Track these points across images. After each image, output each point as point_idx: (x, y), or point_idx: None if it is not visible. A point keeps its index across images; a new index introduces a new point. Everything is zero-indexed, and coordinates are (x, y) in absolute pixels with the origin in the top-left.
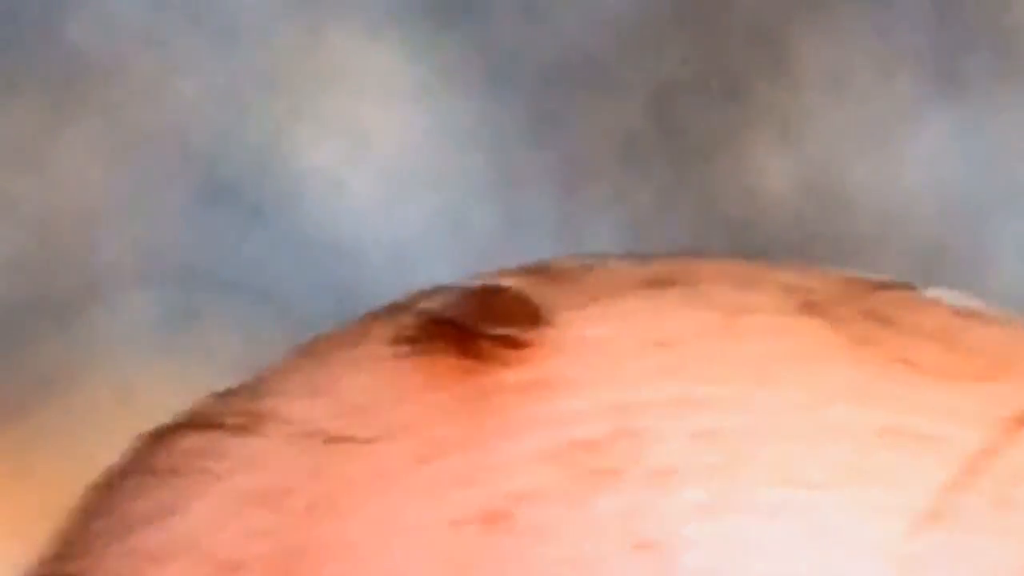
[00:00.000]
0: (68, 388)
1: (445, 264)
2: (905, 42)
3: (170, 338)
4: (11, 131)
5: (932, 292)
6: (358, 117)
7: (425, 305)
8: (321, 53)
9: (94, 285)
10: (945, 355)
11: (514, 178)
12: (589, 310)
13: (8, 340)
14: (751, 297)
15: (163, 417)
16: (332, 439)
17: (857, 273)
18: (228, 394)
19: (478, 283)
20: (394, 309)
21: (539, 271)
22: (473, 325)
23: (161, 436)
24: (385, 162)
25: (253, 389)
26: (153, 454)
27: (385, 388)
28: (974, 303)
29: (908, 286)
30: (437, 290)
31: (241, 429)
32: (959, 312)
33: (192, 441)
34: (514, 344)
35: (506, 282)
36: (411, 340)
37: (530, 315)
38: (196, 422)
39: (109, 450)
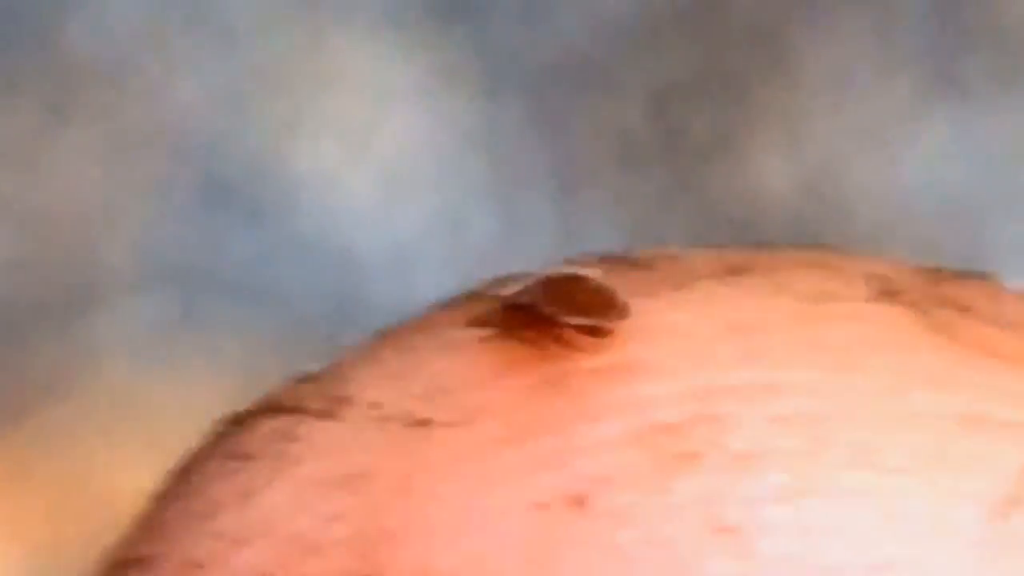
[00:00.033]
0: (68, 390)
1: (444, 266)
2: (905, 44)
3: (169, 340)
4: (11, 133)
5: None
6: (357, 119)
7: (504, 292)
8: (321, 55)
9: (93, 287)
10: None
11: (513, 180)
12: (669, 297)
13: (8, 342)
14: (831, 285)
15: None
16: (413, 423)
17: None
18: (308, 379)
19: (559, 271)
20: (472, 295)
21: (619, 260)
22: (552, 313)
23: (241, 420)
24: (384, 164)
25: (333, 374)
26: (233, 438)
27: (466, 372)
28: None
29: (986, 275)
30: (516, 277)
31: (321, 413)
32: None
33: (272, 425)
34: (593, 333)
35: (586, 271)
36: (491, 325)
37: (609, 304)
38: (276, 406)
39: (109, 452)
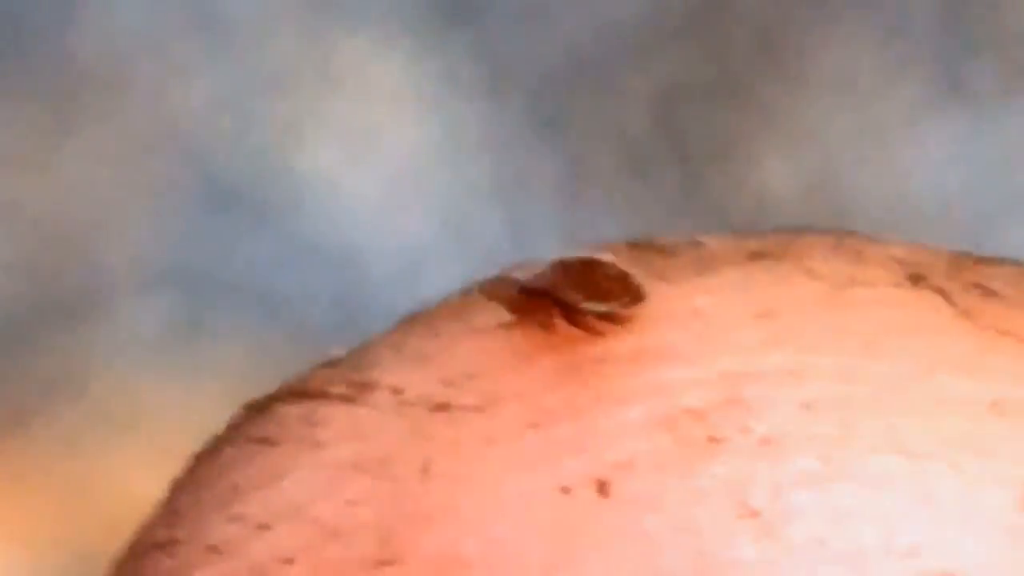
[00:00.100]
0: (72, 393)
1: (449, 270)
2: (910, 48)
3: (174, 344)
4: (16, 137)
5: None
6: (362, 122)
7: (525, 276)
8: (325, 59)
9: (98, 291)
10: None
11: (518, 183)
12: (695, 282)
13: (13, 345)
14: (859, 270)
15: (168, 422)
16: (437, 407)
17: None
18: (332, 364)
19: (579, 256)
20: (496, 281)
21: (642, 246)
22: (568, 298)
23: (263, 405)
24: (389, 167)
25: (357, 359)
26: (257, 423)
27: (491, 357)
28: None
29: (1014, 261)
30: (538, 262)
31: (344, 398)
32: None
33: (294, 410)
34: (608, 319)
35: (607, 256)
36: (515, 310)
37: (624, 288)
38: (300, 391)
39: (113, 456)
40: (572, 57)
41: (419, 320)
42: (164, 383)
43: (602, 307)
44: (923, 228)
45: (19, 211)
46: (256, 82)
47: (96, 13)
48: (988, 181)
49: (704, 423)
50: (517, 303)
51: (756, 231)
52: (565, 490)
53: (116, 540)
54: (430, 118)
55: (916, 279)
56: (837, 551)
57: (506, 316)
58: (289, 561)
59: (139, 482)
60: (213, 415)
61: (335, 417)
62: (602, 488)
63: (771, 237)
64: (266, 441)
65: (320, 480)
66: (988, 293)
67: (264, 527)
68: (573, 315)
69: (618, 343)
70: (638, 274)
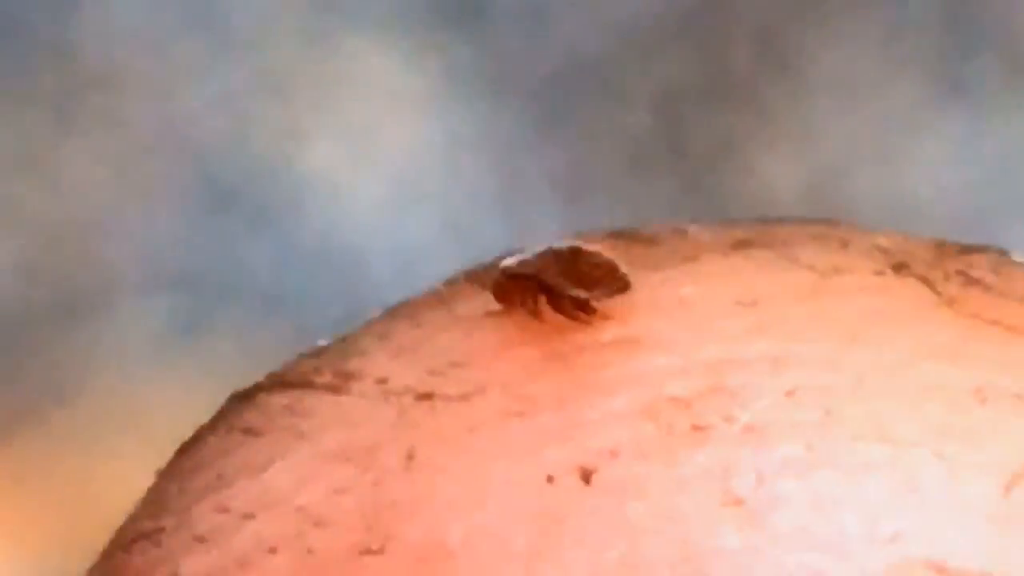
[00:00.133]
0: (72, 394)
1: (449, 269)
2: (912, 48)
3: (174, 345)
4: (18, 139)
5: (1021, 255)
6: (364, 124)
7: (510, 263)
8: (328, 60)
9: (99, 292)
10: None
11: (520, 184)
12: (679, 270)
13: (13, 347)
14: (843, 258)
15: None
16: (422, 396)
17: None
18: (316, 353)
19: (565, 245)
20: (477, 270)
21: (626, 234)
22: (554, 284)
23: (249, 395)
24: (390, 169)
25: (341, 349)
26: (241, 413)
27: (473, 346)
28: None
29: (998, 250)
30: (524, 249)
31: (329, 388)
32: None
33: (280, 400)
34: (595, 308)
35: (594, 245)
36: (501, 297)
37: (610, 277)
38: (284, 381)
39: (112, 456)
40: (573, 58)
41: (403, 310)
42: (164, 383)
43: (586, 294)
44: (922, 227)
45: (19, 212)
46: (256, 83)
47: (97, 15)
48: (988, 180)
49: (688, 411)
50: (503, 289)
51: (738, 220)
52: (549, 478)
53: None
54: (430, 119)
55: (900, 267)
56: (821, 538)
57: (491, 305)
58: (274, 550)
59: (139, 482)
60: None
61: (320, 407)
62: (586, 476)
63: (755, 226)
64: (251, 431)
65: (305, 469)
66: (971, 281)
67: (249, 516)
68: (558, 301)
69: (602, 332)
70: (623, 263)
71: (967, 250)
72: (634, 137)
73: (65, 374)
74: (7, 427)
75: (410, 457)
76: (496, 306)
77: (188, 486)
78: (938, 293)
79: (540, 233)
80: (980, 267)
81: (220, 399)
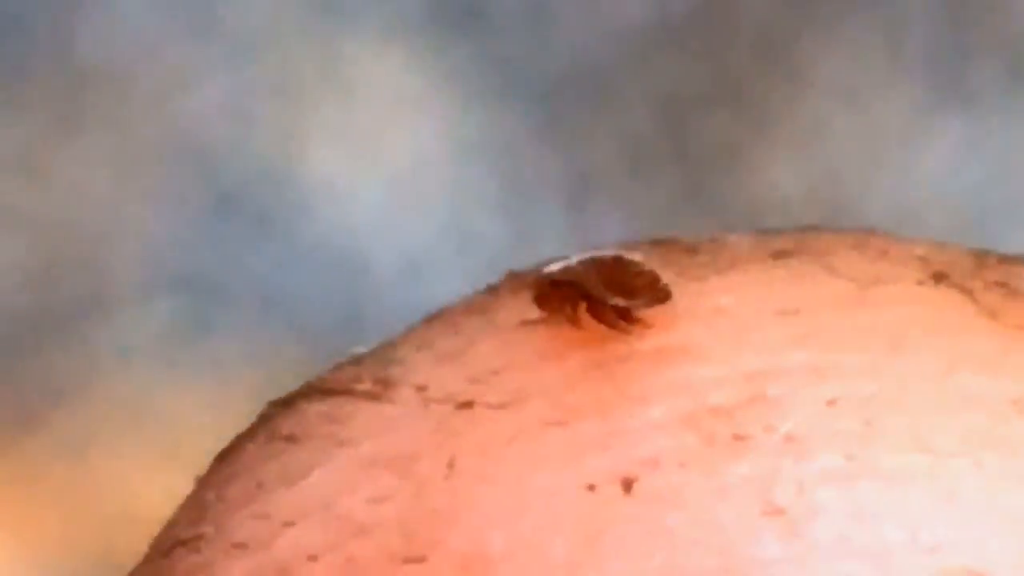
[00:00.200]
0: (79, 398)
1: (454, 275)
2: (913, 52)
3: (179, 349)
4: (21, 142)
5: None
6: (368, 128)
7: (553, 269)
8: (331, 65)
9: (103, 296)
10: None
11: (523, 188)
12: (719, 280)
13: (19, 350)
14: (882, 268)
15: (173, 426)
16: (463, 404)
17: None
18: (356, 361)
19: (608, 253)
20: (524, 273)
21: (665, 244)
22: (595, 292)
23: (289, 402)
24: (394, 173)
25: (380, 356)
26: (281, 420)
27: (515, 354)
28: None
29: None
30: (564, 258)
31: (369, 395)
32: None
33: (319, 407)
34: (635, 317)
35: (633, 255)
36: (542, 303)
37: (651, 287)
38: (324, 388)
39: (119, 459)
40: (575, 62)
41: (442, 317)
42: (169, 387)
43: (627, 303)
44: (925, 230)
45: (24, 216)
46: (260, 87)
47: (100, 19)
48: (991, 184)
49: (728, 421)
50: (544, 296)
51: (778, 229)
52: (590, 487)
53: (121, 541)
54: (432, 122)
55: (939, 277)
56: (861, 548)
57: (530, 313)
58: (314, 558)
59: (144, 485)
60: (217, 418)
61: (359, 414)
62: (627, 486)
63: (793, 235)
64: (291, 438)
65: (345, 477)
66: (1011, 292)
67: (289, 524)
68: (599, 310)
69: (643, 341)
70: (663, 273)
71: (1008, 260)
72: (636, 141)
73: (67, 376)
74: (8, 429)
75: (450, 465)
76: (536, 314)
77: (227, 493)
78: (978, 303)
79: (542, 236)
80: (1020, 277)
81: (221, 400)
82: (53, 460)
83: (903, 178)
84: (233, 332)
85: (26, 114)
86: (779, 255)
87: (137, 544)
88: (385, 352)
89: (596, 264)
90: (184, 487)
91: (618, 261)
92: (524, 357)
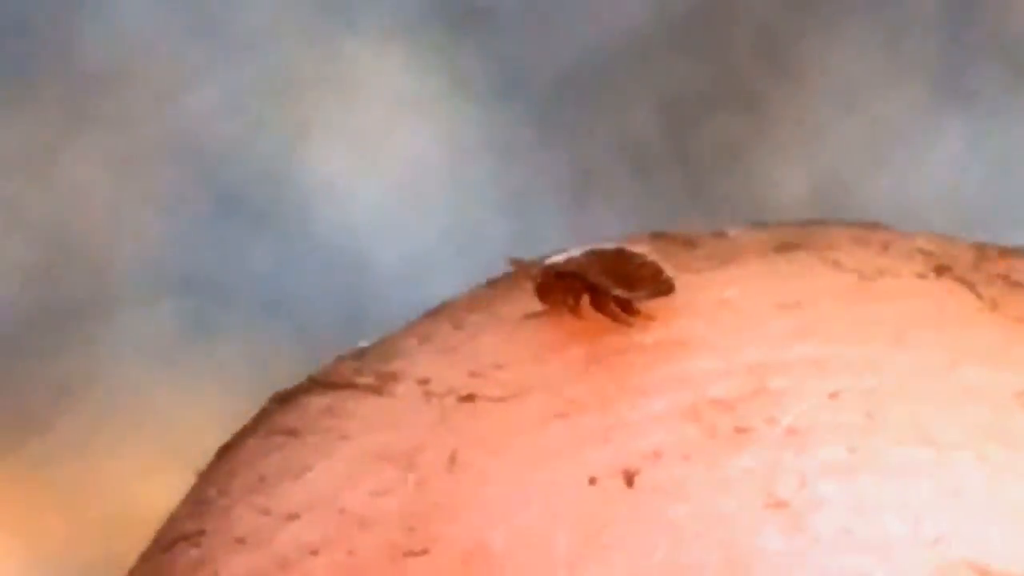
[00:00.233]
0: (80, 397)
1: (454, 273)
2: (915, 53)
3: (182, 349)
4: (24, 143)
5: None
6: (370, 128)
7: (556, 261)
8: (334, 65)
9: (107, 297)
10: None
11: (526, 188)
12: (721, 273)
13: (23, 351)
14: (885, 261)
15: (176, 426)
16: (464, 398)
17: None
18: (358, 355)
19: (610, 246)
20: (523, 268)
21: (668, 237)
22: (599, 283)
23: (291, 397)
24: (397, 173)
25: (382, 350)
26: (283, 415)
27: (516, 348)
28: None
29: None
30: (567, 251)
31: (371, 389)
32: None
33: (321, 401)
34: (637, 309)
35: (637, 248)
36: (544, 294)
37: (654, 279)
38: (325, 382)
39: (122, 459)
40: (577, 62)
41: (444, 311)
42: (170, 387)
43: (631, 295)
44: (926, 229)
45: (26, 216)
46: (262, 88)
47: (103, 19)
48: (991, 183)
49: (730, 414)
50: (547, 287)
51: (781, 222)
52: (592, 480)
53: (122, 541)
54: (434, 123)
55: (942, 270)
56: (863, 541)
57: (532, 306)
58: (315, 551)
59: (145, 484)
60: (218, 418)
61: (361, 408)
62: (629, 478)
63: (795, 229)
64: (292, 432)
65: (346, 471)
66: (1013, 285)
67: (291, 518)
68: (602, 301)
69: (644, 334)
70: (665, 266)
71: (1010, 253)
72: (638, 141)
73: (69, 377)
74: (9, 429)
75: (452, 459)
76: (538, 307)
77: (229, 488)
78: (980, 296)
79: (542, 236)
80: (1021, 271)
81: (224, 401)
82: (54, 460)
83: (904, 178)
84: (234, 332)
85: (27, 114)
86: (781, 248)
87: (138, 543)
88: (386, 346)
89: (599, 256)
90: (184, 487)
91: (620, 253)
92: (526, 350)
